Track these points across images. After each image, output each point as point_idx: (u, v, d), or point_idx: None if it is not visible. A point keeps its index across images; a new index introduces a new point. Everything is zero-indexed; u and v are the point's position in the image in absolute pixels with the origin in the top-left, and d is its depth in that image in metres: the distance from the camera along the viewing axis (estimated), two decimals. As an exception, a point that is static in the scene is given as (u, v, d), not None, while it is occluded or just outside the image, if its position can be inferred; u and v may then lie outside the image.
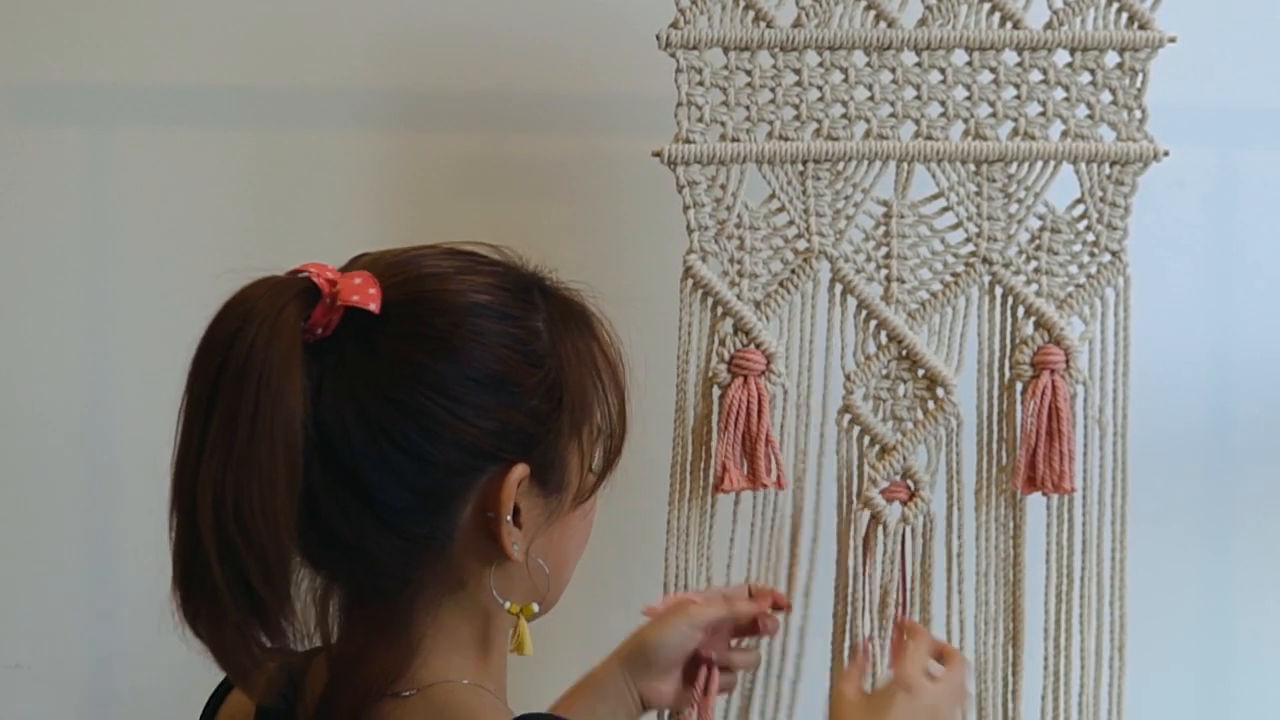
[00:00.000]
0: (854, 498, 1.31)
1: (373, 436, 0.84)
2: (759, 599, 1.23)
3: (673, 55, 1.28)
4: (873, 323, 1.30)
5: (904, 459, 1.30)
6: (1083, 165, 1.29)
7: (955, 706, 1.12)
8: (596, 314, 0.95)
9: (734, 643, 1.24)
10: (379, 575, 0.87)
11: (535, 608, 0.92)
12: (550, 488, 0.90)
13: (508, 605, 0.90)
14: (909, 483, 1.31)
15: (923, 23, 1.29)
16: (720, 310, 1.29)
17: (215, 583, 0.80)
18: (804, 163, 1.29)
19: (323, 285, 0.84)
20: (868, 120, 1.29)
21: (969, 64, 1.29)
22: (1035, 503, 1.32)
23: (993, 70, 1.29)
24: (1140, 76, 1.28)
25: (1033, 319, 1.30)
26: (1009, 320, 1.31)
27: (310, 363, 0.83)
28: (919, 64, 1.29)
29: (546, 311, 0.90)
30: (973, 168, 1.30)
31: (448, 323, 0.86)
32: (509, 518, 0.87)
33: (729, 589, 1.26)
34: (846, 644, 1.32)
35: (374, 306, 0.84)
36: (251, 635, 0.82)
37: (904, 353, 1.30)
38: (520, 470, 0.87)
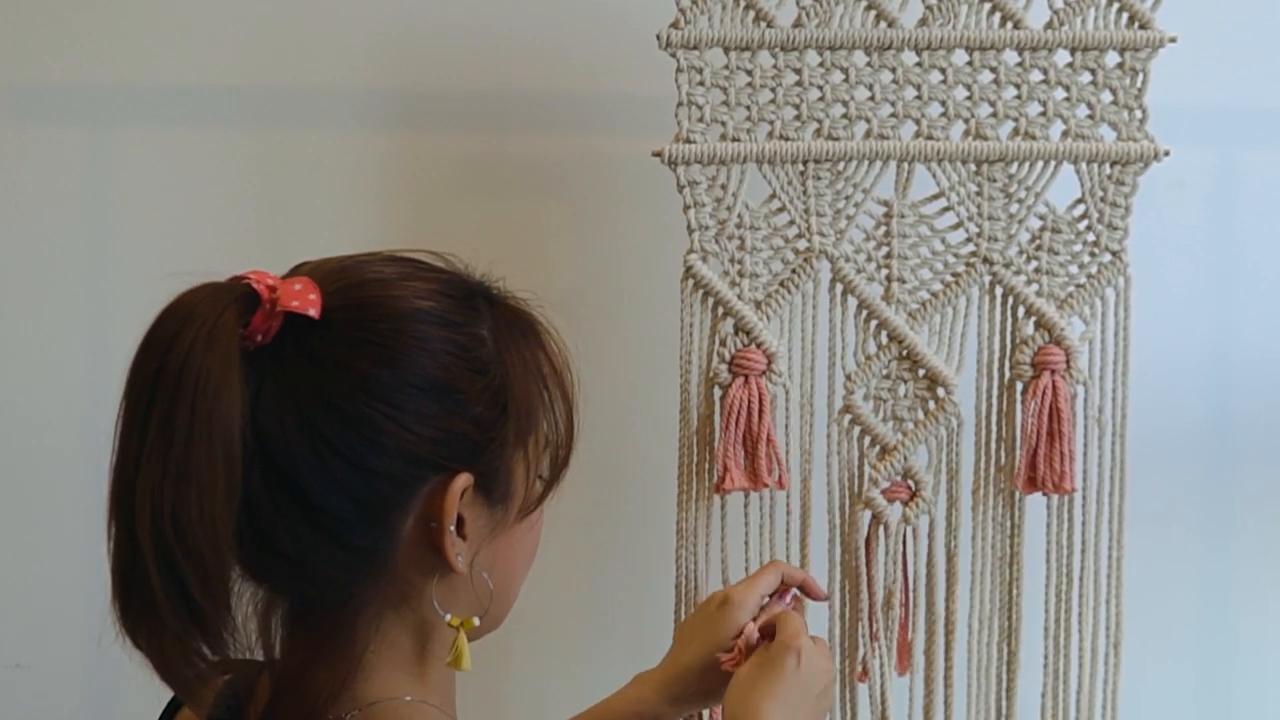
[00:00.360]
0: (855, 498, 1.31)
1: (313, 444, 0.82)
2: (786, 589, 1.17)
3: (673, 55, 1.28)
4: (873, 323, 1.30)
5: (905, 459, 1.30)
6: (1083, 165, 1.29)
7: (830, 680, 1.08)
8: (544, 323, 0.93)
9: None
10: (321, 588, 0.86)
11: (476, 621, 0.89)
12: (495, 498, 0.88)
13: (449, 618, 0.88)
14: (910, 483, 1.31)
15: (923, 23, 1.29)
16: (721, 310, 1.29)
17: (154, 593, 0.79)
18: (804, 163, 1.29)
19: (262, 291, 0.82)
20: (868, 120, 1.29)
21: (969, 64, 1.29)
22: (1033, 502, 1.32)
23: (993, 70, 1.29)
24: (1141, 76, 1.29)
25: (1033, 319, 1.30)
26: (1009, 320, 1.31)
27: (249, 369, 0.81)
28: (919, 64, 1.29)
29: (491, 319, 0.89)
30: (973, 168, 1.30)
31: (389, 328, 0.84)
32: (452, 528, 0.85)
33: (764, 580, 1.18)
34: (848, 644, 1.32)
35: (313, 312, 0.82)
36: (192, 647, 0.81)
37: (905, 353, 1.30)
38: (464, 479, 0.85)
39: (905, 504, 1.30)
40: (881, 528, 1.30)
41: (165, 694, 0.98)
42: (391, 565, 0.86)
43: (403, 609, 0.88)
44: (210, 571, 0.79)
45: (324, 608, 0.87)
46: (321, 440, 0.82)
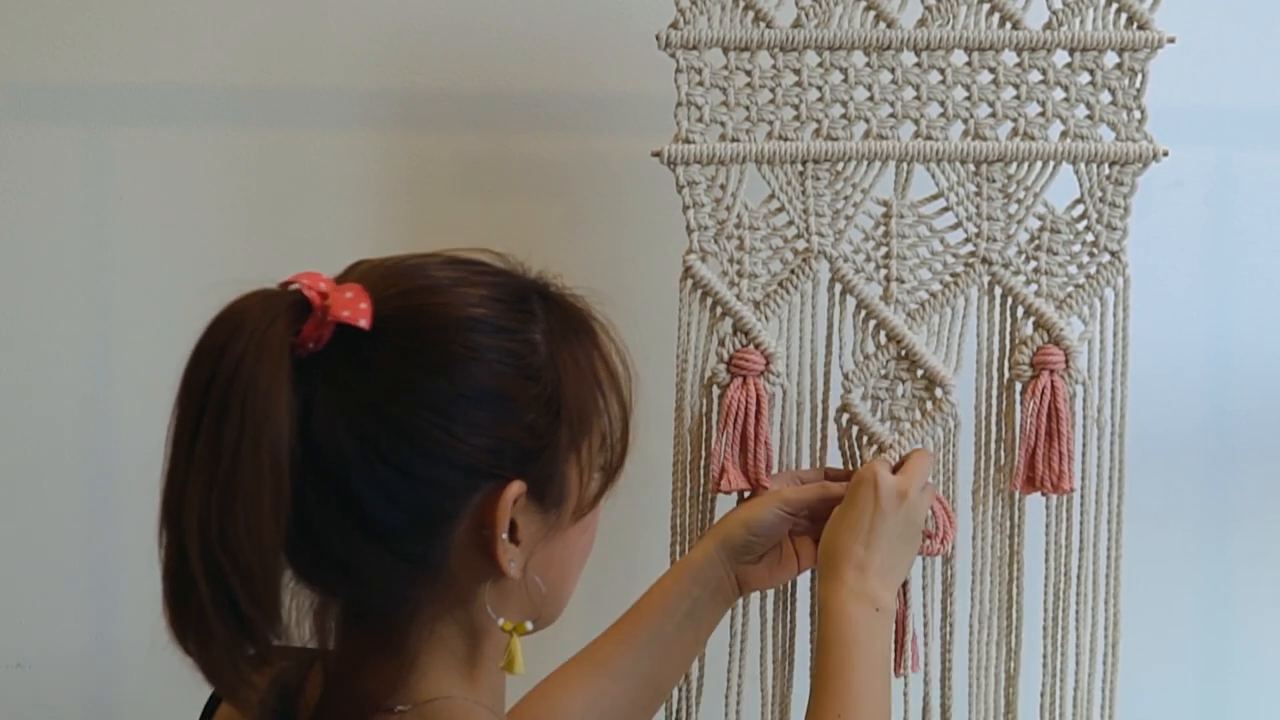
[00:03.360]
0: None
1: (365, 454, 0.82)
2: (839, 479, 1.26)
3: (672, 55, 1.28)
4: (872, 323, 1.31)
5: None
6: (1082, 165, 1.29)
7: (913, 505, 1.21)
8: (601, 322, 0.92)
9: None
10: (375, 592, 0.86)
11: (529, 625, 0.90)
12: (548, 503, 0.88)
13: (501, 623, 0.88)
14: None
15: (922, 23, 1.29)
16: (719, 310, 1.29)
17: (202, 603, 0.79)
18: (803, 163, 1.29)
19: (314, 299, 0.82)
20: (867, 120, 1.29)
21: (968, 64, 1.29)
22: (1032, 502, 1.32)
23: (992, 70, 1.29)
24: (1140, 77, 1.29)
25: (1032, 319, 1.30)
26: (1008, 320, 1.31)
27: (300, 379, 0.81)
28: (918, 64, 1.29)
29: (546, 322, 0.88)
30: (972, 168, 1.30)
31: (441, 338, 0.84)
32: (504, 535, 0.85)
33: (803, 472, 1.29)
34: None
35: (364, 323, 0.82)
36: (240, 655, 0.81)
37: (903, 353, 1.30)
38: (516, 487, 0.85)
39: None
40: None
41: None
42: (445, 571, 0.86)
43: (456, 612, 0.88)
44: (258, 583, 0.79)
45: (378, 611, 0.87)
46: (373, 450, 0.82)
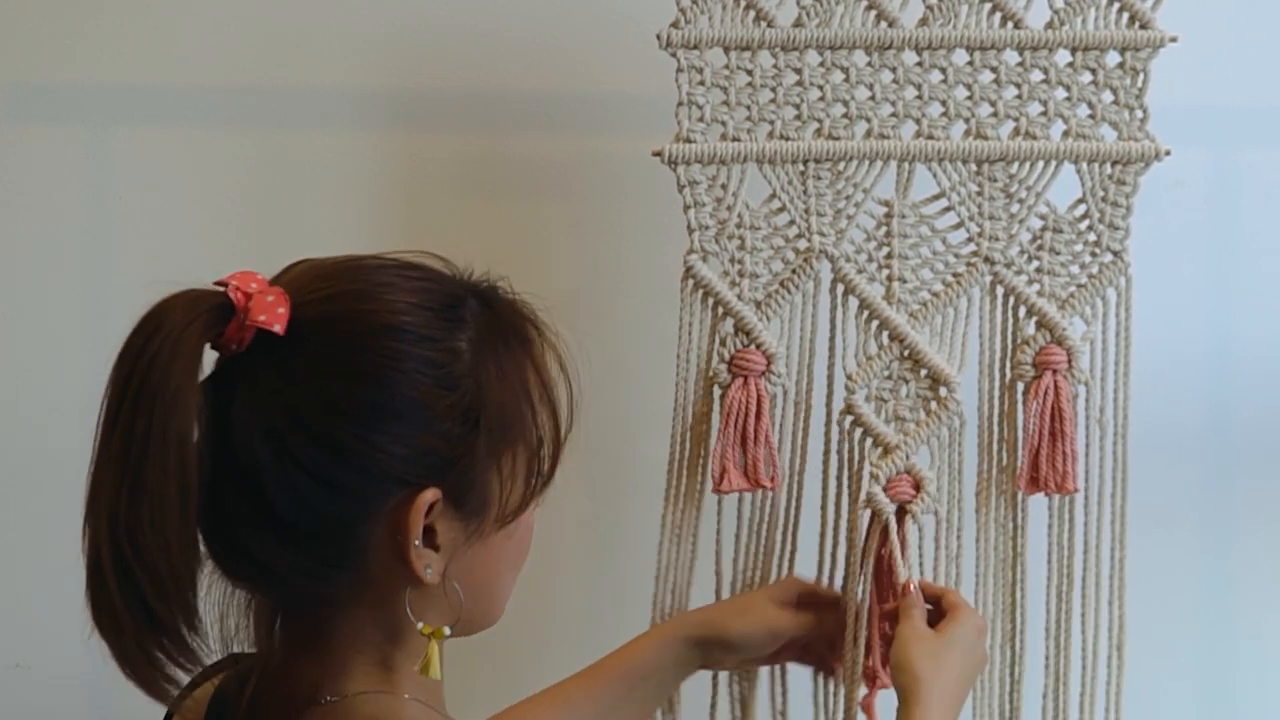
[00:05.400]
0: (856, 497, 1.30)
1: (278, 457, 0.82)
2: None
3: (673, 55, 1.27)
4: (874, 323, 1.30)
5: (906, 459, 1.30)
6: (1084, 165, 1.29)
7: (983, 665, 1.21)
8: (544, 331, 0.92)
9: None
10: (294, 592, 0.87)
11: (447, 631, 0.89)
12: (468, 510, 0.88)
13: (420, 626, 0.88)
14: (912, 478, 1.30)
15: (924, 22, 1.29)
16: (721, 310, 1.29)
17: (111, 595, 0.79)
18: (805, 162, 1.29)
19: (238, 300, 0.82)
20: (869, 120, 1.29)
21: (970, 64, 1.29)
22: (1035, 502, 1.32)
23: (994, 70, 1.29)
24: (1141, 76, 1.28)
25: (1034, 319, 1.30)
26: (1010, 320, 1.31)
27: (221, 380, 0.82)
28: (920, 63, 1.29)
29: (475, 329, 0.88)
30: (974, 167, 1.30)
31: (360, 345, 0.84)
32: (417, 542, 0.85)
33: (785, 583, 1.30)
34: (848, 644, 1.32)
35: (279, 328, 0.82)
36: (150, 648, 0.81)
37: (906, 352, 1.30)
38: (430, 494, 0.85)
39: (909, 501, 1.28)
40: (882, 527, 1.28)
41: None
42: (364, 573, 0.86)
43: (377, 612, 0.88)
44: (164, 579, 0.79)
45: (301, 608, 0.88)
46: (286, 454, 0.82)
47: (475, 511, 0.88)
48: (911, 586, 1.23)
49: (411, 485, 0.85)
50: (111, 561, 0.79)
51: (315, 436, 0.83)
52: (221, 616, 0.88)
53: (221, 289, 0.83)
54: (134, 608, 0.80)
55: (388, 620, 0.88)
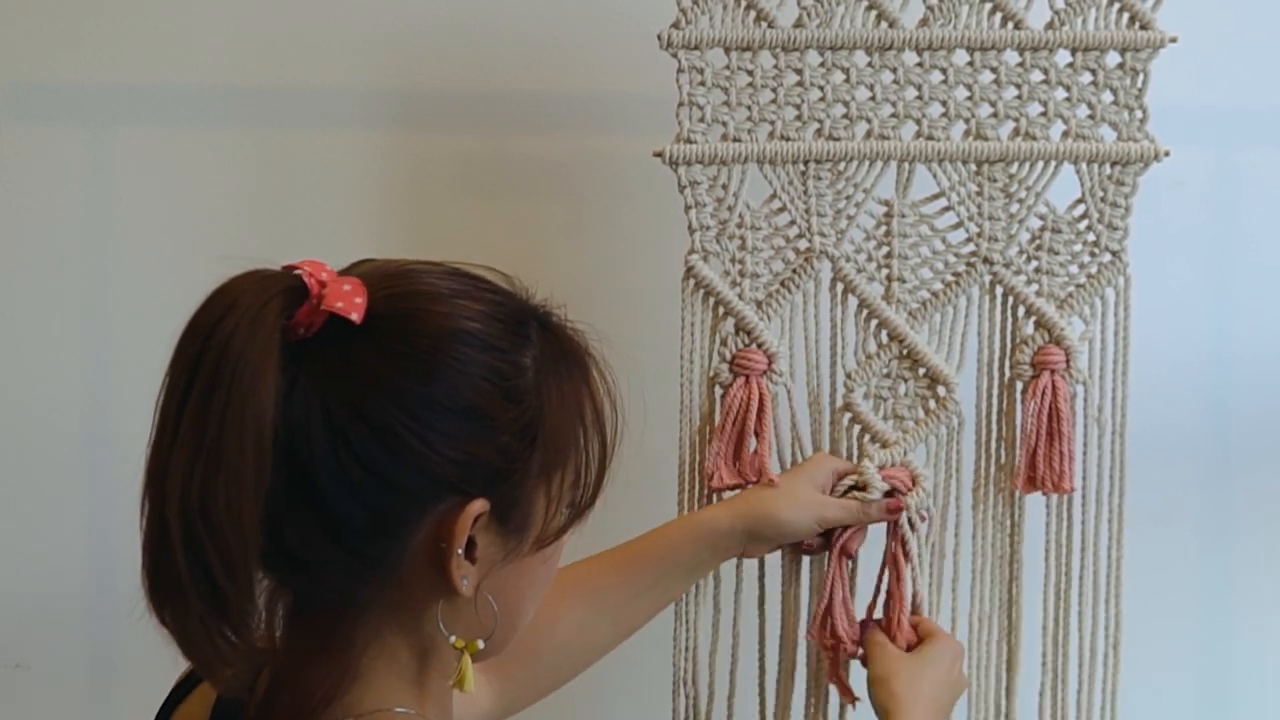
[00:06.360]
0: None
1: (334, 446, 0.82)
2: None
3: (674, 55, 1.28)
4: (874, 322, 1.31)
5: (904, 454, 1.30)
6: (1083, 165, 1.29)
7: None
8: (596, 359, 0.92)
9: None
10: (323, 588, 0.86)
11: (481, 645, 0.89)
12: (510, 527, 0.87)
13: (453, 639, 0.88)
14: (909, 470, 1.30)
15: (924, 23, 1.29)
16: (722, 310, 1.29)
17: (180, 574, 0.79)
18: (805, 163, 1.29)
19: (312, 285, 0.82)
20: (869, 120, 1.29)
21: (970, 64, 1.29)
22: (1034, 500, 1.32)
23: (994, 70, 1.29)
24: (1141, 76, 1.29)
25: (1033, 319, 1.30)
26: (1009, 320, 1.31)
27: (288, 361, 0.81)
28: (920, 64, 1.29)
29: (539, 349, 0.88)
30: (974, 168, 1.30)
31: (429, 344, 0.84)
32: (460, 551, 0.84)
33: (817, 460, 1.30)
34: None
35: (355, 316, 0.82)
36: (215, 628, 0.80)
37: (905, 352, 1.30)
38: (479, 505, 0.84)
39: (905, 494, 1.28)
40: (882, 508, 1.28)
41: (166, 694, 0.98)
42: (397, 577, 0.85)
43: (405, 622, 0.87)
44: (235, 558, 0.79)
45: (324, 608, 0.86)
46: (343, 442, 0.82)
47: (517, 530, 0.88)
48: (922, 603, 1.28)
49: (462, 492, 0.84)
50: (181, 538, 0.78)
51: (373, 427, 0.82)
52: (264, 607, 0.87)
53: (291, 272, 0.83)
54: (201, 585, 0.79)
55: (415, 631, 0.88)
